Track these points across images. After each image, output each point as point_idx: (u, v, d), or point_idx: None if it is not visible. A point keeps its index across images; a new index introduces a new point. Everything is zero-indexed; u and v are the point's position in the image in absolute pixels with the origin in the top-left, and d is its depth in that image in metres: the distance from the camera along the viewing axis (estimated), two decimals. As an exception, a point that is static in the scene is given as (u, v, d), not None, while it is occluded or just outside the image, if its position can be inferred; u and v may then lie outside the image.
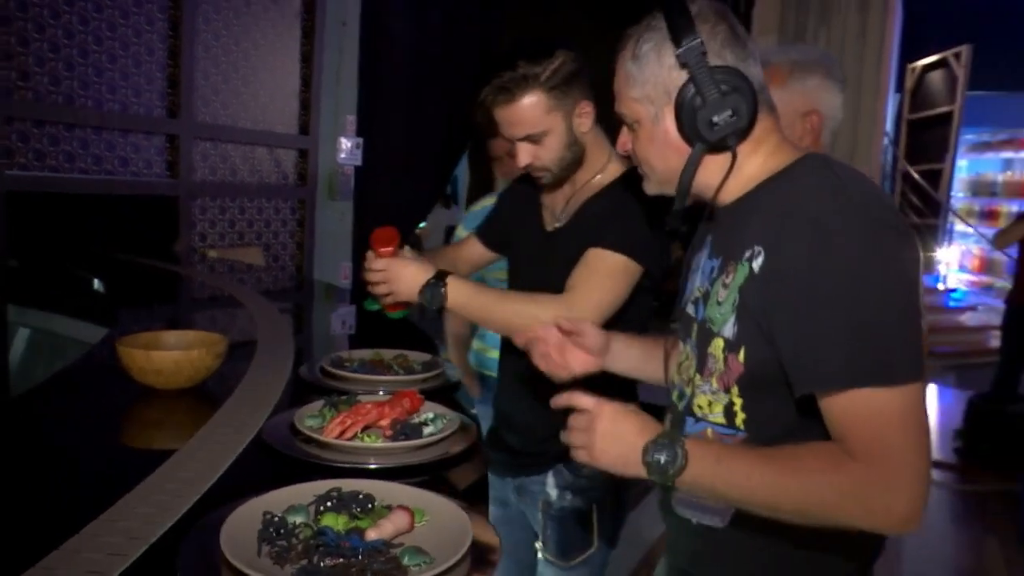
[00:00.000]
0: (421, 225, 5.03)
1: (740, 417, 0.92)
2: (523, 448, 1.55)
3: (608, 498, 1.50)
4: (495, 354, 2.23)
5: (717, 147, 0.94)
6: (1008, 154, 7.83)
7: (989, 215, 7.69)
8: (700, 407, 0.97)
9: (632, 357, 1.17)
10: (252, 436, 1.15)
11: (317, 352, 1.80)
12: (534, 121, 1.34)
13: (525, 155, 1.38)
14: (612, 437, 0.88)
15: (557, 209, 1.50)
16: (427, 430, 1.19)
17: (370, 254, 1.34)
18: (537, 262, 1.50)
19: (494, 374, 2.19)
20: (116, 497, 0.92)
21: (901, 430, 0.79)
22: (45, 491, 1.00)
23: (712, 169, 0.96)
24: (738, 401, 0.91)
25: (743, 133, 0.93)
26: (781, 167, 0.93)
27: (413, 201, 4.51)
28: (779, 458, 0.82)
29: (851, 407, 0.80)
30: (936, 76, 7.38)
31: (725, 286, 0.92)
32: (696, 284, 1.02)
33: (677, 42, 0.91)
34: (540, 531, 1.53)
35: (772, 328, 0.86)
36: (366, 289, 1.37)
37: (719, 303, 0.93)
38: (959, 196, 8.14)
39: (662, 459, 0.84)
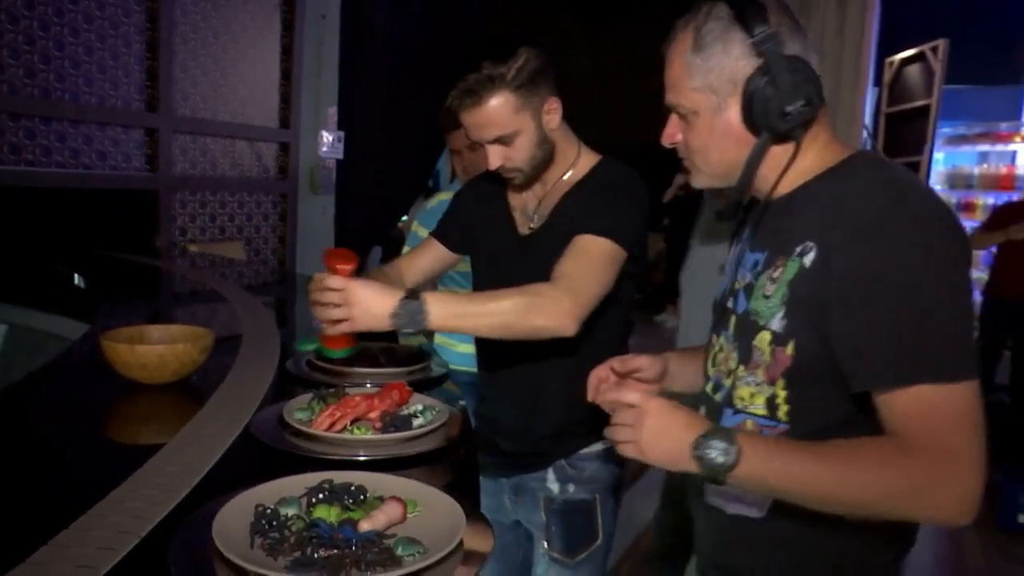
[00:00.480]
0: (403, 218, 5.00)
1: (783, 409, 0.92)
2: (518, 450, 1.50)
3: (609, 488, 1.48)
4: (462, 348, 2.20)
5: (782, 138, 0.94)
6: (984, 147, 7.93)
7: (966, 207, 7.79)
8: (741, 399, 0.97)
9: (688, 375, 1.15)
10: (240, 430, 1.14)
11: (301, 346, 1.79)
12: (503, 122, 1.30)
13: (496, 157, 1.34)
14: (661, 432, 0.87)
15: (529, 209, 1.46)
16: (417, 422, 1.19)
17: (319, 275, 1.19)
18: (511, 267, 1.41)
19: (462, 368, 2.16)
20: (104, 492, 0.91)
21: (958, 426, 0.80)
22: (31, 486, 0.99)
23: (769, 161, 0.96)
24: (782, 394, 0.92)
25: (807, 125, 0.94)
26: (833, 163, 0.94)
27: (395, 194, 4.49)
28: (835, 453, 0.82)
29: (910, 404, 0.81)
30: (913, 70, 7.46)
31: (773, 280, 0.92)
32: (736, 276, 1.02)
33: (750, 30, 0.90)
34: (543, 530, 1.48)
35: (826, 324, 0.86)
36: (312, 312, 1.20)
37: (766, 296, 0.93)
38: (936, 188, 8.24)
39: (714, 454, 0.84)
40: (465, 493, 0.96)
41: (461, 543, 0.81)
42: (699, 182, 1.03)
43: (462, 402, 1.36)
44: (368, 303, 1.14)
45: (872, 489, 0.81)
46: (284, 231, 4.16)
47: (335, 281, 1.15)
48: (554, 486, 1.46)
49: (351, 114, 4.24)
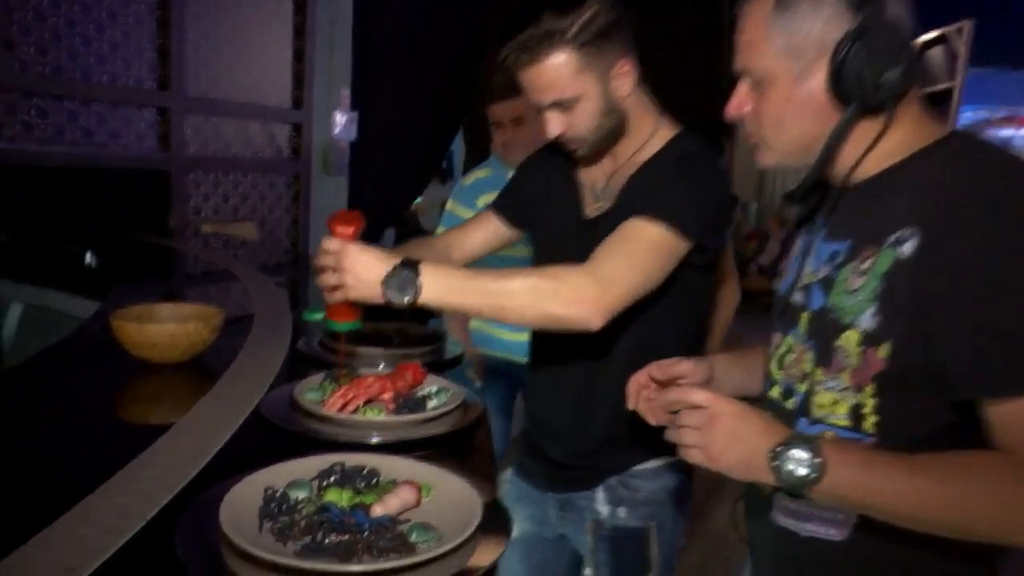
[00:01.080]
0: (417, 200, 4.97)
1: (870, 420, 0.82)
2: (567, 460, 1.34)
3: (668, 511, 1.32)
4: (499, 333, 2.15)
5: (871, 112, 0.84)
6: (1008, 131, 7.80)
7: (987, 193, 7.70)
8: (820, 406, 0.86)
9: (735, 379, 1.05)
10: (251, 410, 1.12)
11: (313, 326, 1.77)
12: (563, 85, 1.15)
13: (555, 125, 1.20)
14: (734, 437, 0.78)
15: (597, 188, 1.29)
16: (431, 404, 1.16)
17: (324, 238, 1.09)
18: (573, 253, 1.20)
19: (500, 354, 2.11)
20: (111, 472, 0.89)
21: None
22: (38, 467, 0.97)
23: (853, 138, 0.86)
24: (870, 402, 0.81)
25: (899, 98, 0.83)
26: (927, 142, 0.84)
27: (409, 176, 4.45)
28: (937, 467, 0.74)
29: None
30: (936, 52, 7.31)
31: (860, 272, 0.82)
32: (808, 269, 0.93)
33: None
34: (590, 555, 1.33)
35: (930, 322, 0.76)
36: (316, 281, 1.10)
37: (850, 291, 0.83)
38: (957, 173, 8.13)
39: (795, 466, 0.75)
40: (481, 478, 0.93)
41: (478, 530, 0.78)
42: (768, 160, 0.92)
43: (478, 384, 1.33)
44: (359, 268, 1.02)
45: (980, 509, 0.72)
46: (297, 212, 4.13)
47: (331, 243, 1.05)
48: (604, 508, 1.31)
49: (364, 95, 4.20)
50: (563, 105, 1.18)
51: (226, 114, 3.66)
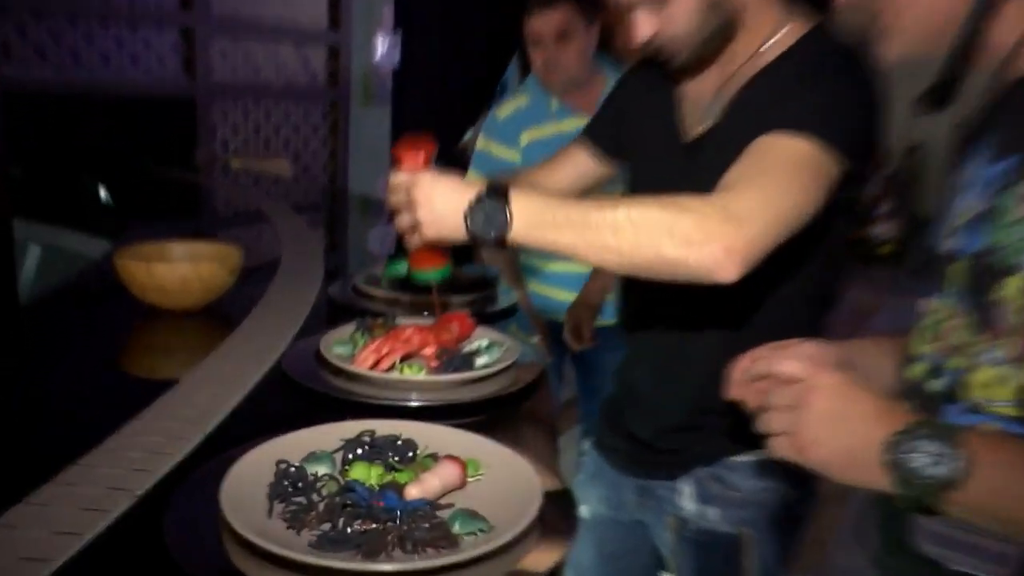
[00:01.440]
0: (467, 135, 4.86)
1: None
2: (652, 440, 1.20)
3: (770, 523, 1.15)
4: (551, 292, 2.03)
5: None
6: None
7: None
8: (979, 386, 0.69)
9: (884, 370, 0.87)
10: (270, 366, 1.07)
11: (351, 272, 1.70)
12: None
13: (645, 25, 1.04)
14: (835, 421, 0.63)
15: (702, 103, 1.12)
16: (480, 361, 1.09)
17: (393, 172, 1.00)
18: (671, 186, 1.03)
19: (551, 316, 2.00)
20: (103, 436, 0.83)
21: None
22: (19, 428, 0.93)
23: (1006, 18, 0.71)
24: None
25: None
26: None
27: (458, 106, 4.34)
28: None
29: None
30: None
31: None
32: (963, 206, 0.75)
33: None
34: (670, 556, 1.20)
35: None
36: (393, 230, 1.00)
37: (1013, 223, 0.66)
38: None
39: (923, 462, 0.60)
40: (541, 453, 0.84)
41: (537, 521, 0.68)
42: (894, 50, 0.77)
43: (535, 339, 1.22)
44: (434, 200, 0.91)
45: None
46: (335, 144, 4.07)
47: (399, 175, 0.95)
48: (689, 504, 1.17)
49: (408, 14, 4.07)
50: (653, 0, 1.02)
51: (255, 36, 3.60)
